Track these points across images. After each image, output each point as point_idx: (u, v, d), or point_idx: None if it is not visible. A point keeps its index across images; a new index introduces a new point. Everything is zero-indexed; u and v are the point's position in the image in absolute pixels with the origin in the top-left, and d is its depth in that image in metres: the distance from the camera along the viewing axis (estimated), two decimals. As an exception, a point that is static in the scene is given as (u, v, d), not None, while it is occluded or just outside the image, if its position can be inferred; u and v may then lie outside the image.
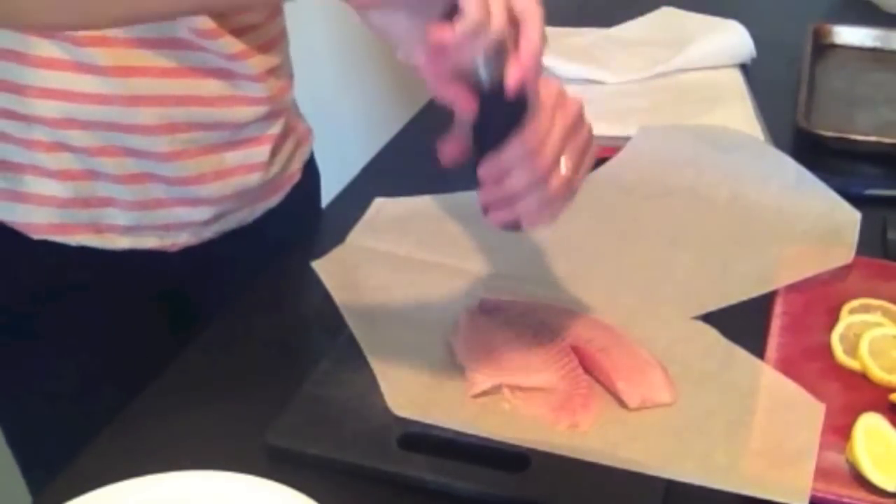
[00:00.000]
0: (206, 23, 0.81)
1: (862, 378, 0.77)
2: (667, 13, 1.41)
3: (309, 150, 1.03)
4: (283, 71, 0.93)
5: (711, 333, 0.81)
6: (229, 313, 0.87)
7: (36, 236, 0.87)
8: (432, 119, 1.19)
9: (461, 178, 1.04)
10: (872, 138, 1.09)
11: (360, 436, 0.71)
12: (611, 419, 0.73)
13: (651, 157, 1.05)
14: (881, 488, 0.66)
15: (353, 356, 0.78)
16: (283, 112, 0.94)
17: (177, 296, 0.98)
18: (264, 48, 0.87)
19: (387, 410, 0.73)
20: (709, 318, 0.83)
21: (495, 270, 0.89)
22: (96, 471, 0.68)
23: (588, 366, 0.77)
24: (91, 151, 0.84)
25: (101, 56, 0.80)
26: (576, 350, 0.77)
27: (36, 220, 0.87)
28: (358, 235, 0.94)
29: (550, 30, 1.50)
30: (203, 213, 0.90)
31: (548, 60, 1.26)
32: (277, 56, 0.91)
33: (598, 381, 0.76)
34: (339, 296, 0.85)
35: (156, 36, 0.80)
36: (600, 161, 1.05)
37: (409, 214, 0.97)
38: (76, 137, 0.83)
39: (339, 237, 0.94)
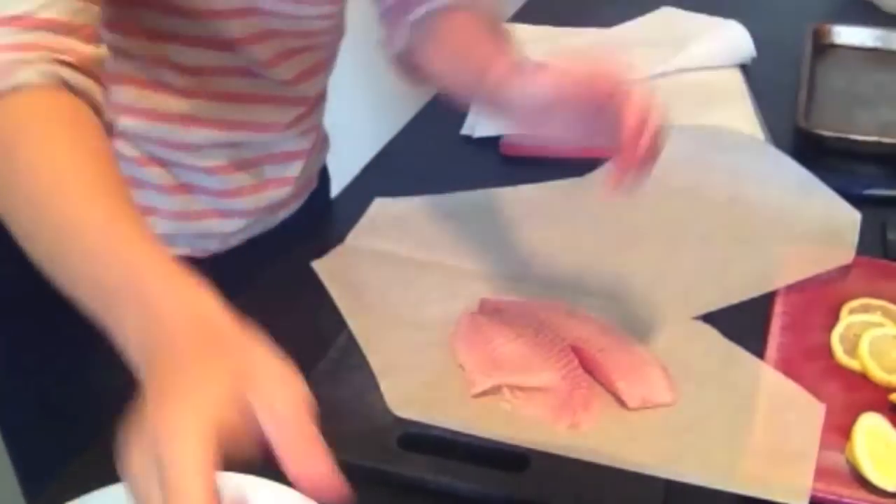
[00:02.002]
0: (262, 54, 0.84)
1: (862, 378, 0.77)
2: (667, 13, 1.41)
3: (325, 156, 1.06)
4: (325, 94, 0.97)
5: (711, 333, 0.81)
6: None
7: None
8: (432, 120, 1.19)
9: (461, 178, 1.04)
10: (872, 138, 1.09)
11: (360, 436, 0.71)
12: (611, 419, 0.73)
13: (651, 157, 1.05)
14: (881, 488, 0.66)
15: (353, 356, 0.78)
16: (318, 127, 0.98)
17: None
18: (316, 72, 0.92)
19: (387, 410, 0.73)
20: (709, 318, 0.83)
21: (495, 270, 0.89)
22: (96, 471, 0.68)
23: (588, 366, 0.77)
24: (139, 162, 0.87)
25: (170, 76, 0.83)
26: (576, 350, 0.77)
27: None
28: (358, 235, 0.94)
29: (550, 30, 1.51)
30: (235, 224, 0.93)
31: (548, 60, 1.26)
32: (326, 78, 0.96)
33: (598, 381, 0.76)
34: (339, 296, 0.85)
35: (223, 64, 0.84)
36: (600, 161, 1.06)
37: (409, 214, 0.97)
38: (125, 148, 0.85)
39: (339, 237, 0.94)
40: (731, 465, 0.68)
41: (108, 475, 0.66)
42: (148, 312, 0.53)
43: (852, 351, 0.78)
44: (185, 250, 0.92)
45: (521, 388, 0.75)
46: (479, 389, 0.74)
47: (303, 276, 0.89)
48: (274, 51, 0.86)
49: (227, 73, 0.85)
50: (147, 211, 0.88)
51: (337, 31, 0.94)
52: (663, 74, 1.24)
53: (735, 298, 0.85)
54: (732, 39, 1.28)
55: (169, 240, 0.90)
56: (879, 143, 1.08)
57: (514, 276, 0.89)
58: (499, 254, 0.92)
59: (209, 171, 0.89)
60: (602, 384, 0.76)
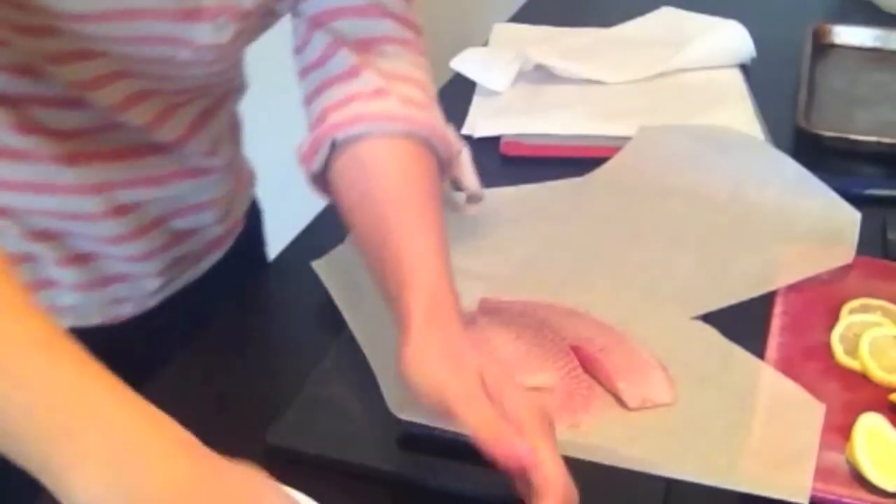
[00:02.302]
0: (141, 118, 0.74)
1: (862, 378, 0.77)
2: (667, 13, 1.42)
3: (252, 195, 0.98)
4: (235, 131, 0.89)
5: (711, 333, 0.81)
6: (230, 314, 0.86)
7: None
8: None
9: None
10: (872, 138, 1.09)
11: (360, 436, 0.71)
12: (611, 419, 0.73)
13: (651, 157, 1.05)
14: (881, 488, 0.66)
15: (353, 356, 0.78)
16: (231, 166, 0.88)
17: (120, 361, 0.91)
18: (210, 118, 0.82)
19: (387, 410, 0.73)
20: (709, 318, 0.83)
21: (495, 270, 0.89)
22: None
23: (588, 366, 0.77)
24: (30, 237, 0.77)
25: (45, 144, 0.73)
26: (576, 350, 0.77)
27: None
28: (358, 235, 0.94)
29: (550, 30, 1.51)
30: (150, 284, 0.85)
31: (548, 60, 1.27)
32: (228, 123, 0.86)
33: (598, 381, 0.76)
34: (339, 296, 0.85)
35: (98, 123, 0.74)
36: (600, 161, 1.06)
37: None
38: (8, 227, 0.76)
39: (339, 237, 0.94)
40: (731, 465, 0.68)
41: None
42: (123, 474, 0.46)
43: (852, 351, 0.78)
44: (96, 319, 0.83)
45: (521, 388, 0.75)
46: (479, 389, 0.74)
47: (303, 277, 0.89)
48: (152, 111, 0.75)
49: (105, 130, 0.74)
50: (47, 285, 0.79)
51: (234, 74, 0.83)
52: (663, 74, 1.24)
53: (735, 298, 0.85)
54: (732, 39, 1.28)
55: (77, 310, 0.82)
56: (879, 143, 1.08)
57: (514, 276, 0.89)
58: (499, 254, 0.92)
59: (110, 241, 0.79)
60: (602, 384, 0.76)
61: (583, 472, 0.68)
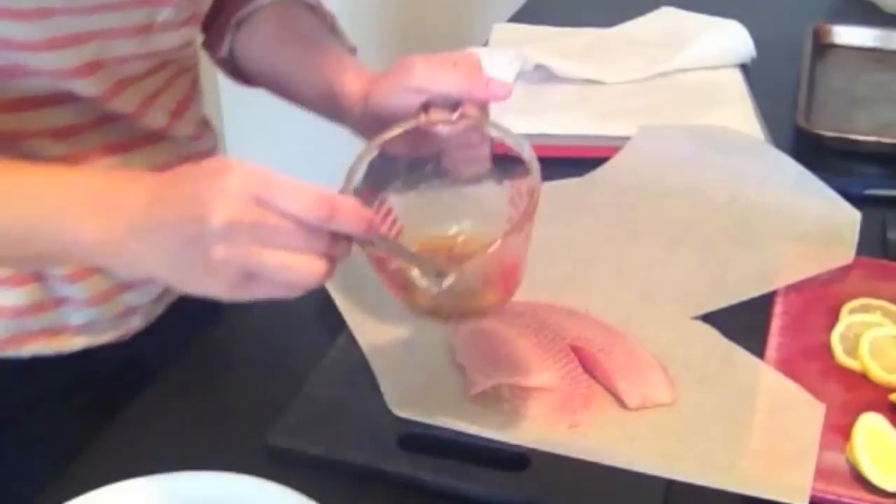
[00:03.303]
0: (127, 105, 0.77)
1: (862, 378, 0.77)
2: (667, 13, 1.42)
3: None
4: (208, 118, 0.92)
5: (711, 333, 0.81)
6: (229, 314, 0.86)
7: None
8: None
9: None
10: (872, 138, 1.09)
11: (360, 436, 0.71)
12: (611, 419, 0.73)
13: (651, 157, 1.05)
14: (881, 488, 0.66)
15: (353, 356, 0.78)
16: (215, 155, 0.91)
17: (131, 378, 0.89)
18: (190, 105, 0.86)
19: (387, 410, 0.73)
20: (709, 318, 0.83)
21: (495, 270, 0.89)
22: (96, 471, 0.68)
23: (588, 366, 0.77)
24: None
25: (43, 147, 0.74)
26: (576, 350, 0.77)
27: None
28: (358, 235, 0.94)
29: (550, 30, 1.51)
30: (153, 290, 0.85)
31: (548, 60, 1.26)
32: (201, 108, 0.90)
33: (598, 381, 0.76)
34: (338, 296, 0.85)
35: (92, 118, 0.76)
36: (600, 161, 1.06)
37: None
38: None
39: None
40: (731, 465, 0.68)
41: (108, 475, 0.66)
42: (106, 212, 0.60)
43: (852, 351, 0.78)
44: (108, 335, 0.84)
45: (521, 388, 0.75)
46: (479, 389, 0.74)
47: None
48: (137, 99, 0.78)
49: (97, 125, 0.76)
50: (59, 303, 0.80)
51: (195, 45, 0.87)
52: (663, 74, 1.24)
53: (735, 298, 0.85)
54: (732, 39, 1.28)
55: (88, 328, 0.82)
56: (879, 143, 1.08)
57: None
58: (499, 254, 0.91)
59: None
60: (602, 384, 0.76)
61: (583, 472, 0.68)
